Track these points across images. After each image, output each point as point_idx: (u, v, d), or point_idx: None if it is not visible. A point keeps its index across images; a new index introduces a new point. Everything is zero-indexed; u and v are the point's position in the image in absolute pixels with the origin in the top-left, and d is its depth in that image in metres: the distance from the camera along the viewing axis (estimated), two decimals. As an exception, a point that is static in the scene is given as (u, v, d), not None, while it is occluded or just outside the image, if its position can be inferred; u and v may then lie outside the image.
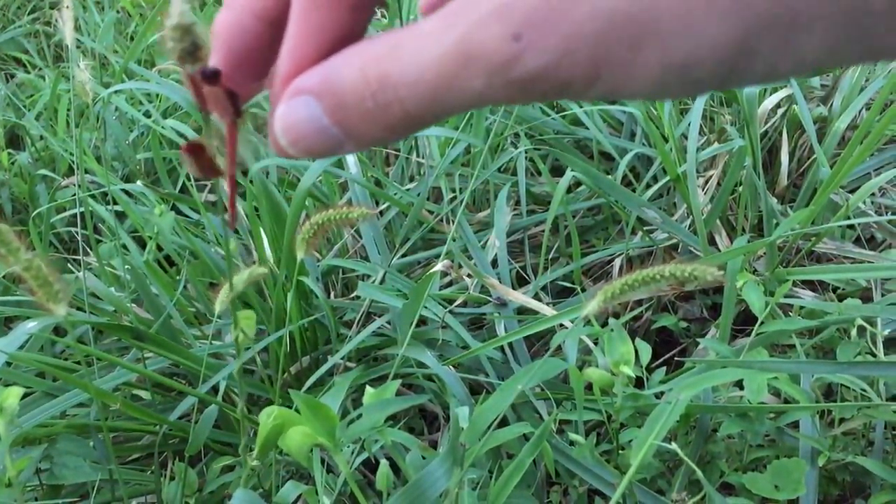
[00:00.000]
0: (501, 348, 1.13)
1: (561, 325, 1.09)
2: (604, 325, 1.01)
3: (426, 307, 1.09)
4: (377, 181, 1.49)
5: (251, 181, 1.22)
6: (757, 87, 1.43)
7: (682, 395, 0.81)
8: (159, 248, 1.41)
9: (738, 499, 0.88)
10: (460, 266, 1.25)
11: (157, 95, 1.90)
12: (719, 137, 1.54)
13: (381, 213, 1.44)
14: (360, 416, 0.79)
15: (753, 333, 1.02)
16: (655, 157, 1.47)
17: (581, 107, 1.54)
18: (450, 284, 1.30)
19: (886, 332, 1.05)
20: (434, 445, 1.10)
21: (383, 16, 1.82)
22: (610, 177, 1.41)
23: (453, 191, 1.46)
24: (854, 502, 0.99)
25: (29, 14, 2.72)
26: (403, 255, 1.36)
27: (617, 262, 1.39)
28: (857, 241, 1.41)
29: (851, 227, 1.41)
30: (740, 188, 1.43)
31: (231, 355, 1.18)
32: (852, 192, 1.38)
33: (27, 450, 0.93)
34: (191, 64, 0.26)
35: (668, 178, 1.39)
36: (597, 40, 0.21)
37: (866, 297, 1.24)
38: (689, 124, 1.40)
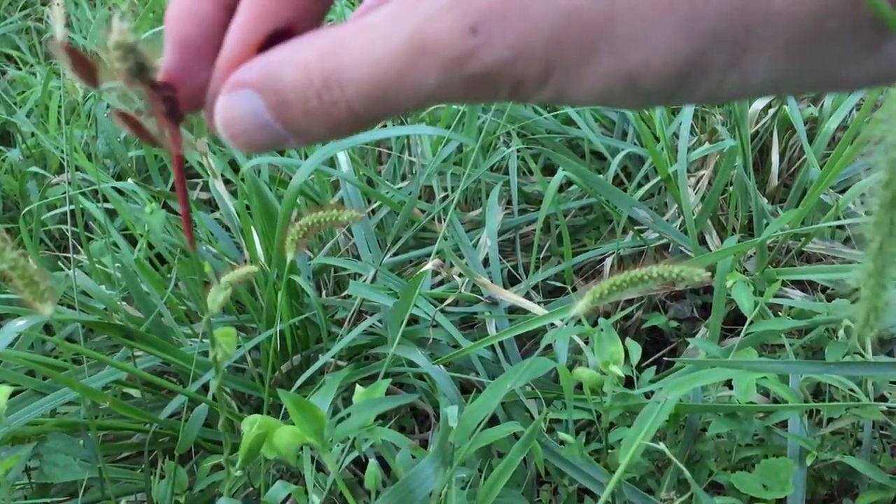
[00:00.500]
0: (492, 347, 1.13)
1: (552, 324, 1.09)
2: (594, 324, 1.01)
3: (417, 306, 1.09)
4: (369, 180, 1.49)
5: (242, 179, 1.22)
6: (693, 107, 1.44)
7: (671, 395, 0.81)
8: (150, 246, 1.40)
9: (726, 498, 0.89)
10: (451, 265, 1.25)
11: (149, 93, 1.89)
12: (710, 137, 1.54)
13: (373, 211, 1.44)
14: (350, 414, 0.79)
15: (743, 333, 1.03)
16: (647, 157, 1.48)
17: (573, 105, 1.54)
18: (441, 283, 1.30)
19: (874, 333, 1.06)
20: (424, 444, 1.10)
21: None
22: (601, 176, 1.41)
23: (445, 189, 1.46)
24: (842, 502, 0.99)
25: (20, 10, 2.71)
26: (395, 254, 1.36)
27: (608, 262, 1.39)
28: (847, 242, 1.41)
29: (841, 227, 1.41)
30: (731, 188, 1.43)
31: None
32: (842, 192, 1.39)
33: (16, 448, 0.93)
34: (138, 85, 0.25)
35: (659, 177, 1.39)
36: (552, 39, 0.20)
37: (855, 297, 1.24)
38: (680, 124, 1.41)
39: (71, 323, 1.15)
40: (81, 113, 1.67)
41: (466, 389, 1.12)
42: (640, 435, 0.76)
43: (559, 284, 1.38)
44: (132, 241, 1.44)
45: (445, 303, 1.18)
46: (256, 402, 1.17)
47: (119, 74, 0.24)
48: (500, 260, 1.32)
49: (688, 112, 1.39)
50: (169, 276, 1.31)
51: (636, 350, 0.97)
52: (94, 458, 0.95)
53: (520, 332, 1.08)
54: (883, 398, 1.01)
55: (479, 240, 1.34)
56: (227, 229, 1.41)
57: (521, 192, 1.51)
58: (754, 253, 1.32)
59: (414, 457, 0.86)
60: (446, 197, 1.44)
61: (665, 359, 1.27)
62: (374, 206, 1.44)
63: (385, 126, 1.35)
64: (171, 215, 1.37)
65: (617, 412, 0.92)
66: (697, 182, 1.49)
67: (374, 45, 0.21)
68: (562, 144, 1.59)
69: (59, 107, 1.85)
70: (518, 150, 1.49)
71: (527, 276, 1.35)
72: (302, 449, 0.80)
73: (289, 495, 0.84)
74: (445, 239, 1.28)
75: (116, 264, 1.21)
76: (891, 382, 1.02)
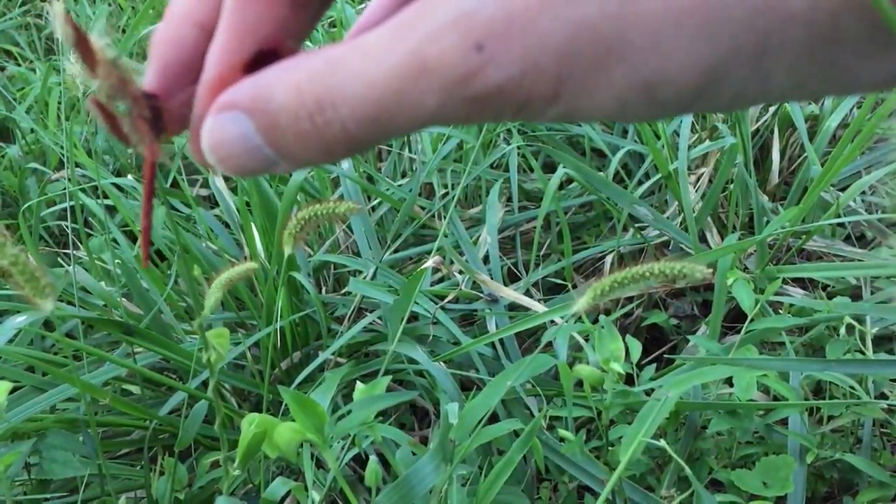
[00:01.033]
0: (492, 344, 1.13)
1: (552, 321, 1.09)
2: (595, 321, 1.01)
3: (417, 303, 1.09)
4: (369, 177, 1.49)
5: (242, 176, 1.22)
6: (723, 112, 1.43)
7: (671, 392, 0.81)
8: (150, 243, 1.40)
9: (726, 496, 0.88)
10: (452, 262, 1.25)
11: (149, 89, 1.89)
12: (711, 135, 1.54)
13: (373, 208, 1.44)
14: (350, 411, 0.79)
15: (743, 331, 1.02)
16: (647, 155, 1.48)
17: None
18: (441, 280, 1.30)
19: (875, 330, 1.06)
20: (424, 441, 1.10)
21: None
22: (602, 174, 1.41)
23: (445, 187, 1.46)
24: (842, 499, 0.99)
25: (20, 6, 2.70)
26: (395, 251, 1.36)
27: (608, 259, 1.39)
28: (847, 239, 1.41)
29: (842, 225, 1.41)
30: (731, 186, 1.43)
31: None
32: (843, 190, 1.39)
33: (16, 444, 0.92)
34: (120, 100, 0.24)
35: (659, 175, 1.39)
36: (562, 53, 0.19)
37: (856, 294, 1.25)
38: (680, 122, 1.40)
39: (71, 319, 1.15)
40: (81, 109, 1.67)
41: (466, 387, 1.12)
42: (641, 432, 0.76)
43: (559, 282, 1.38)
44: (132, 238, 1.44)
45: (445, 300, 1.18)
46: (256, 399, 1.17)
47: (100, 92, 0.24)
48: (501, 257, 1.32)
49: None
50: (168, 272, 1.31)
51: (636, 347, 0.97)
52: (93, 454, 0.94)
53: (520, 330, 1.08)
54: (883, 396, 1.01)
55: (479, 237, 1.34)
56: (227, 226, 1.41)
57: (521, 190, 1.51)
58: (755, 251, 1.32)
59: (414, 454, 0.86)
60: (446, 194, 1.44)
61: (665, 356, 1.27)
62: (374, 203, 1.44)
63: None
64: (170, 212, 1.36)
65: (617, 409, 0.92)
66: (698, 180, 1.49)
67: (370, 66, 0.20)
68: (562, 142, 1.59)
69: (59, 103, 1.85)
70: (518, 148, 1.48)
71: (527, 274, 1.35)
72: (302, 446, 0.80)
73: (288, 492, 0.84)
74: (445, 236, 1.27)
75: (116, 261, 1.21)
76: (891, 380, 1.02)
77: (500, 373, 0.85)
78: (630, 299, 1.32)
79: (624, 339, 0.90)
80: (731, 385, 0.94)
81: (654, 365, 1.04)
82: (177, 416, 1.06)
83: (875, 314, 1.07)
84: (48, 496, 0.96)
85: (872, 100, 1.34)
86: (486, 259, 1.30)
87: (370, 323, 1.17)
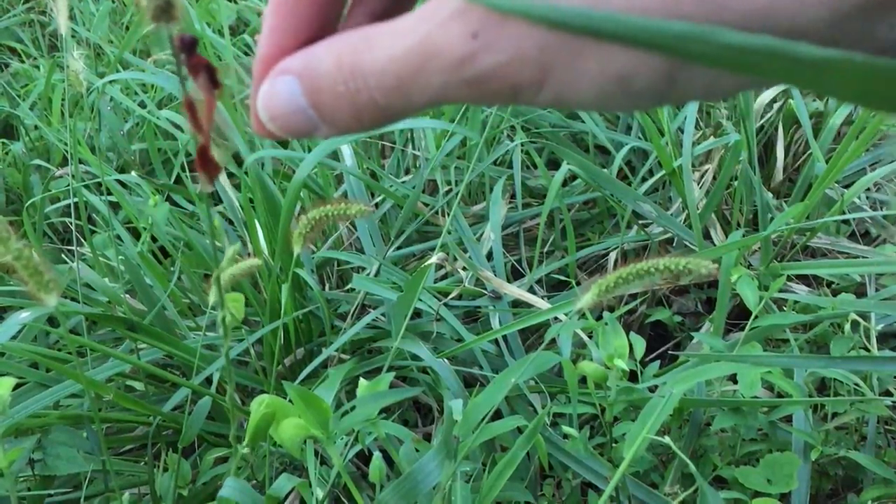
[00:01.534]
0: (496, 341, 1.13)
1: (555, 318, 1.09)
2: (598, 318, 1.01)
3: (421, 300, 1.09)
4: (372, 173, 1.49)
5: (246, 172, 1.22)
6: (698, 102, 1.43)
7: (675, 389, 0.81)
8: (153, 239, 1.40)
9: (730, 493, 0.88)
10: (455, 259, 1.25)
11: (152, 86, 1.89)
12: (715, 132, 1.54)
13: (377, 205, 1.44)
14: (353, 408, 0.79)
15: (747, 328, 1.02)
16: (651, 151, 1.47)
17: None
18: (444, 277, 1.30)
19: (880, 327, 1.06)
20: (428, 438, 1.10)
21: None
22: (605, 170, 1.41)
23: (448, 183, 1.46)
24: (846, 497, 0.99)
25: (24, 3, 2.70)
26: (398, 248, 1.35)
27: (612, 256, 1.39)
28: (852, 237, 1.41)
29: (846, 222, 1.41)
30: (735, 183, 1.43)
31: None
32: (847, 187, 1.39)
33: (20, 440, 0.93)
34: (165, 22, 0.27)
35: (663, 172, 1.39)
36: (543, 44, 0.21)
37: (860, 292, 1.24)
38: (685, 118, 1.40)
39: (74, 315, 1.15)
40: (84, 106, 1.67)
41: (470, 383, 1.12)
42: (645, 429, 0.75)
43: (563, 279, 1.38)
44: (135, 234, 1.44)
45: (449, 297, 1.18)
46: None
47: (147, 12, 0.27)
48: (504, 254, 1.32)
49: (692, 106, 1.39)
50: (172, 269, 1.31)
51: (640, 344, 0.97)
52: (97, 450, 0.94)
53: (523, 326, 1.08)
54: (888, 393, 1.01)
55: (482, 234, 1.34)
56: (231, 222, 1.41)
57: (524, 187, 1.50)
58: (759, 248, 1.32)
59: (417, 450, 0.86)
60: (450, 191, 1.43)
61: (669, 353, 1.27)
62: (378, 199, 1.44)
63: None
64: (174, 208, 1.36)
65: (621, 406, 0.92)
66: (702, 176, 1.48)
67: (394, 45, 0.23)
68: (566, 139, 1.59)
69: (63, 100, 1.85)
70: (522, 144, 1.48)
71: (530, 271, 1.35)
72: (305, 442, 0.80)
73: (293, 489, 0.84)
74: (449, 233, 1.27)
75: (120, 257, 1.21)
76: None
77: (503, 370, 0.85)
78: (634, 296, 1.32)
79: (628, 336, 0.90)
80: (736, 382, 0.94)
81: (658, 362, 1.04)
82: (180, 412, 1.06)
83: (879, 311, 1.07)
84: (52, 492, 0.97)
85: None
86: (489, 256, 1.30)
87: (373, 320, 1.17)
